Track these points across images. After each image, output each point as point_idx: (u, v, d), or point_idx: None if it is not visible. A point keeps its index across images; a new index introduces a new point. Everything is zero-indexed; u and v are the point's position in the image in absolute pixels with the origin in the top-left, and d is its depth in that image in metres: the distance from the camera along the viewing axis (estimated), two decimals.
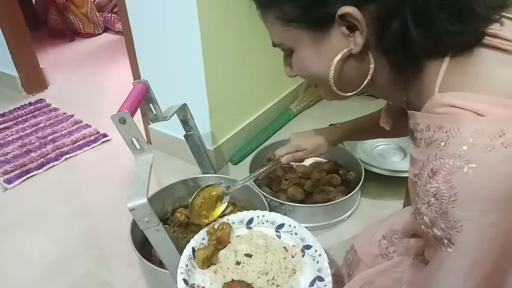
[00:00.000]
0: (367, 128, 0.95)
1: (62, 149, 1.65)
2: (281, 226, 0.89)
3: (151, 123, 1.12)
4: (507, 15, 0.54)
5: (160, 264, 0.98)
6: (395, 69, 0.54)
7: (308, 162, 1.44)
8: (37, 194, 1.44)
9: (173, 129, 1.48)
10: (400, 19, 0.47)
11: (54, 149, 1.65)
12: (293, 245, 0.86)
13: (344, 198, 1.18)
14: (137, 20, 1.36)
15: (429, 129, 0.47)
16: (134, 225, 1.03)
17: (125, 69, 2.20)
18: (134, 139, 0.87)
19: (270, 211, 1.13)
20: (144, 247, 1.05)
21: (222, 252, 0.87)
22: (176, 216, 1.17)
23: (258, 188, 1.20)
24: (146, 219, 0.81)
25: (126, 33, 1.41)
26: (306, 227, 1.18)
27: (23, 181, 1.49)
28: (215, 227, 0.89)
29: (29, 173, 1.52)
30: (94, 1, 2.95)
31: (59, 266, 1.15)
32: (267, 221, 0.90)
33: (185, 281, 0.80)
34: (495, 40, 0.49)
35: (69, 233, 1.26)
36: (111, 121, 0.83)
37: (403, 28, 0.47)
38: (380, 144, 1.54)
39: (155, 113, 1.10)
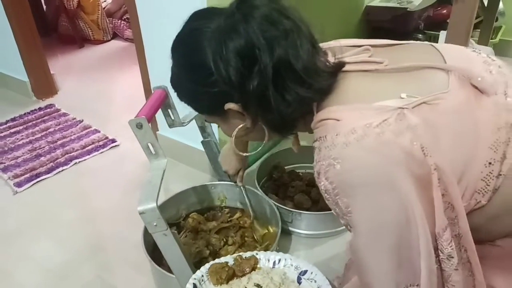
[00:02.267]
0: None
1: (72, 154, 1.67)
2: (304, 272, 0.90)
3: (169, 127, 1.14)
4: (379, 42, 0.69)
5: (170, 269, 0.99)
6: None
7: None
8: (46, 198, 1.46)
9: (181, 135, 1.49)
10: (267, 111, 0.62)
11: (63, 154, 1.67)
12: None
13: None
14: (148, 27, 1.38)
15: (315, 140, 0.61)
16: (146, 230, 1.04)
17: (133, 75, 2.23)
18: (149, 144, 0.88)
19: (280, 217, 1.14)
20: (154, 251, 1.06)
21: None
22: (188, 221, 1.19)
23: (265, 195, 1.21)
24: (155, 223, 0.83)
25: (137, 40, 1.43)
26: (312, 235, 1.20)
27: (32, 184, 1.51)
28: (244, 257, 0.92)
29: (39, 177, 1.54)
30: (104, 8, 3.00)
31: (67, 271, 1.16)
32: (292, 265, 0.92)
33: (195, 286, 0.84)
34: (360, 66, 0.62)
35: (77, 238, 1.27)
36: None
37: (270, 116, 0.63)
38: None
39: (172, 118, 1.11)
